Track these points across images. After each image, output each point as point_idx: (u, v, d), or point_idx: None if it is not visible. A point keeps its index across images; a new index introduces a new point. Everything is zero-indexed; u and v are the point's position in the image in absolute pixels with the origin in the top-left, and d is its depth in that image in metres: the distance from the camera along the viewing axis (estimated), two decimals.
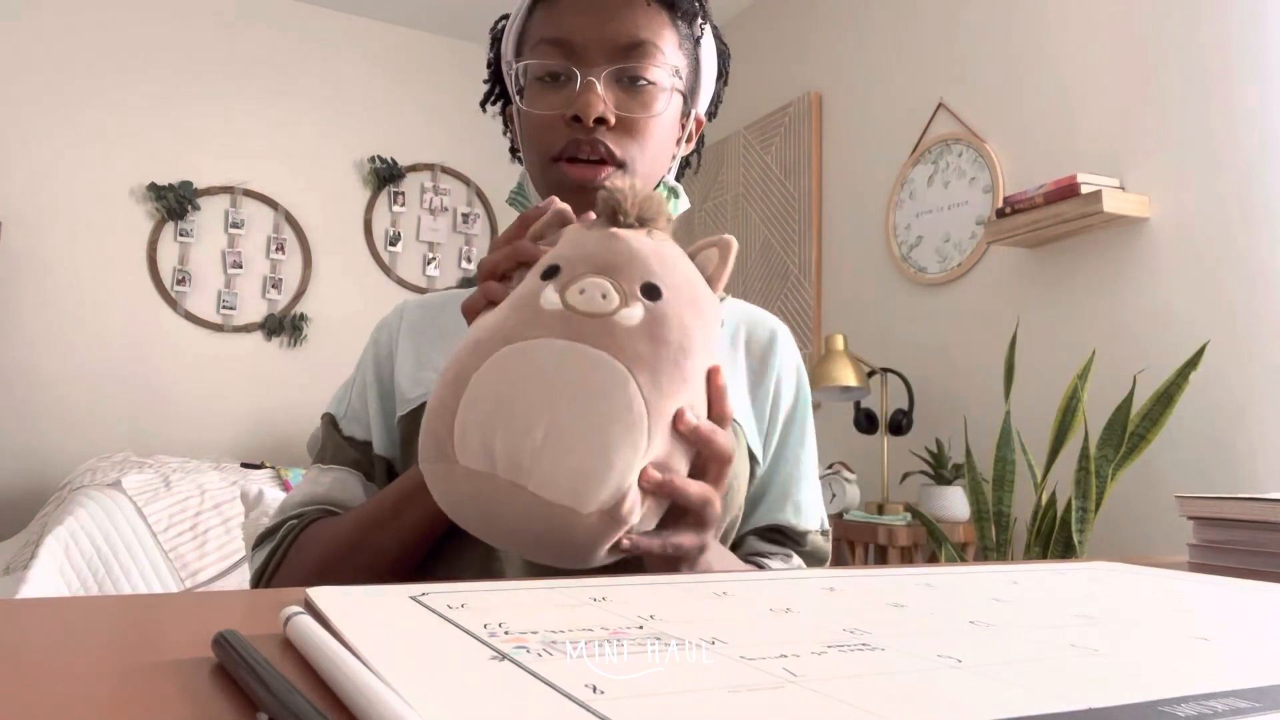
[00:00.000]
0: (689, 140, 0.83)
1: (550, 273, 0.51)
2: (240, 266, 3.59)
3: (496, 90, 0.87)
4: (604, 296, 0.49)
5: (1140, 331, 2.10)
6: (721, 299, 0.87)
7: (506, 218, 4.07)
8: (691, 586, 0.43)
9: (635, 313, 0.49)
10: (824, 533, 0.82)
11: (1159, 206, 2.09)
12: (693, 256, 0.56)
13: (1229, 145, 1.95)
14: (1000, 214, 2.28)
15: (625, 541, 0.48)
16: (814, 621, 0.34)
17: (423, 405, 0.75)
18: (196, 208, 3.53)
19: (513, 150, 0.86)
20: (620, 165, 0.74)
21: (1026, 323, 2.36)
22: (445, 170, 3.98)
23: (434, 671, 0.25)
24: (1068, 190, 2.10)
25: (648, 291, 0.50)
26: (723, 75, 0.86)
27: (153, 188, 3.44)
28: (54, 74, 3.35)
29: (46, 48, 3.34)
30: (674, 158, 0.81)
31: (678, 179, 0.86)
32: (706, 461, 0.52)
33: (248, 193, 3.62)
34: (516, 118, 0.80)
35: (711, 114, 0.88)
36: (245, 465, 3.02)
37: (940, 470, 2.36)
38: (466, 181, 4.01)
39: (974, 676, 0.26)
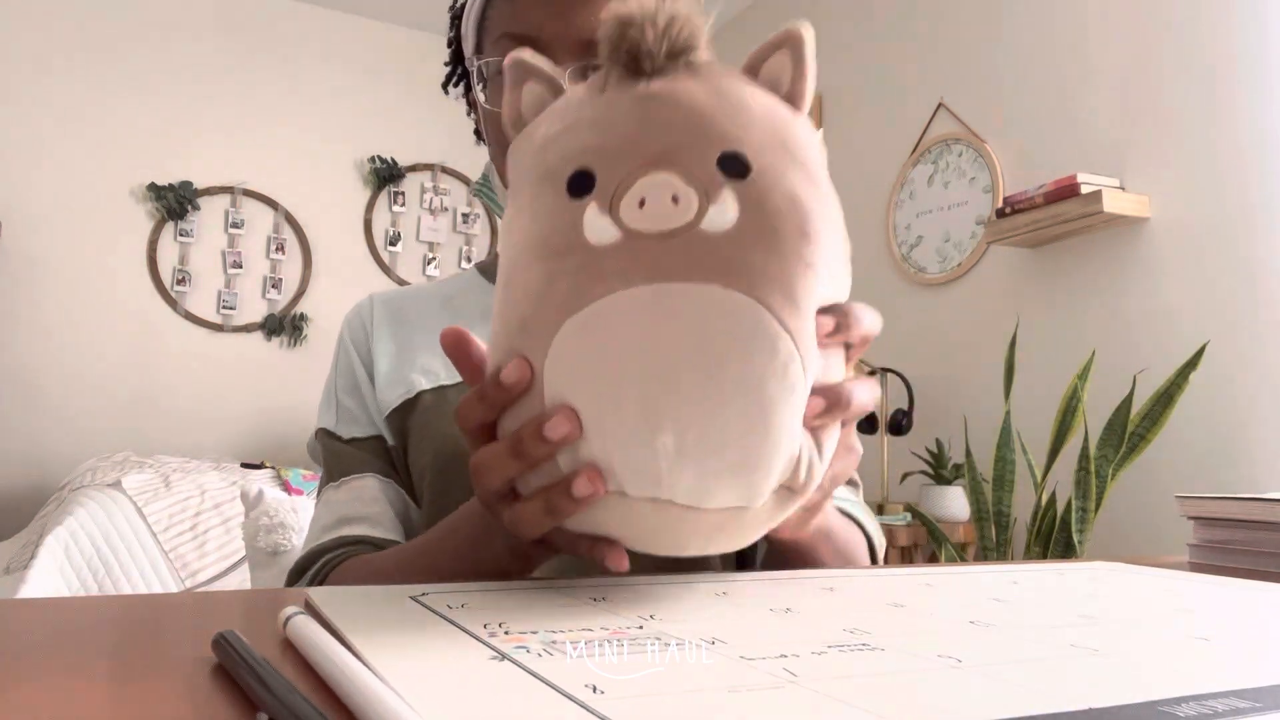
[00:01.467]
0: None
1: (580, 184, 0.36)
2: (240, 266, 3.59)
3: (459, 72, 0.83)
4: (675, 200, 0.34)
5: (1140, 331, 2.10)
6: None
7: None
8: (691, 586, 0.43)
9: (726, 208, 0.35)
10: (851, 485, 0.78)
11: (1159, 206, 2.09)
12: (755, 75, 0.40)
13: (1229, 145, 1.95)
14: (1000, 214, 2.28)
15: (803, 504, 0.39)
16: (814, 621, 0.34)
17: (403, 405, 0.73)
18: (196, 208, 3.53)
19: (477, 133, 0.83)
20: None
21: (1026, 323, 2.36)
22: (445, 170, 3.98)
23: (434, 671, 0.25)
24: (1068, 190, 2.10)
25: (729, 166, 0.35)
26: None
27: (153, 188, 3.44)
28: (54, 74, 3.35)
29: (47, 48, 3.34)
30: None
31: None
32: (854, 350, 0.41)
33: (248, 193, 3.62)
34: (480, 109, 0.76)
35: None
36: (245, 465, 3.02)
37: (940, 470, 2.36)
38: (466, 181, 4.01)
39: (974, 676, 0.26)
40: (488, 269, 0.83)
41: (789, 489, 0.36)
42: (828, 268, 0.36)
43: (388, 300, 0.81)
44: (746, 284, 0.34)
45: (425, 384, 0.73)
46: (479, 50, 0.75)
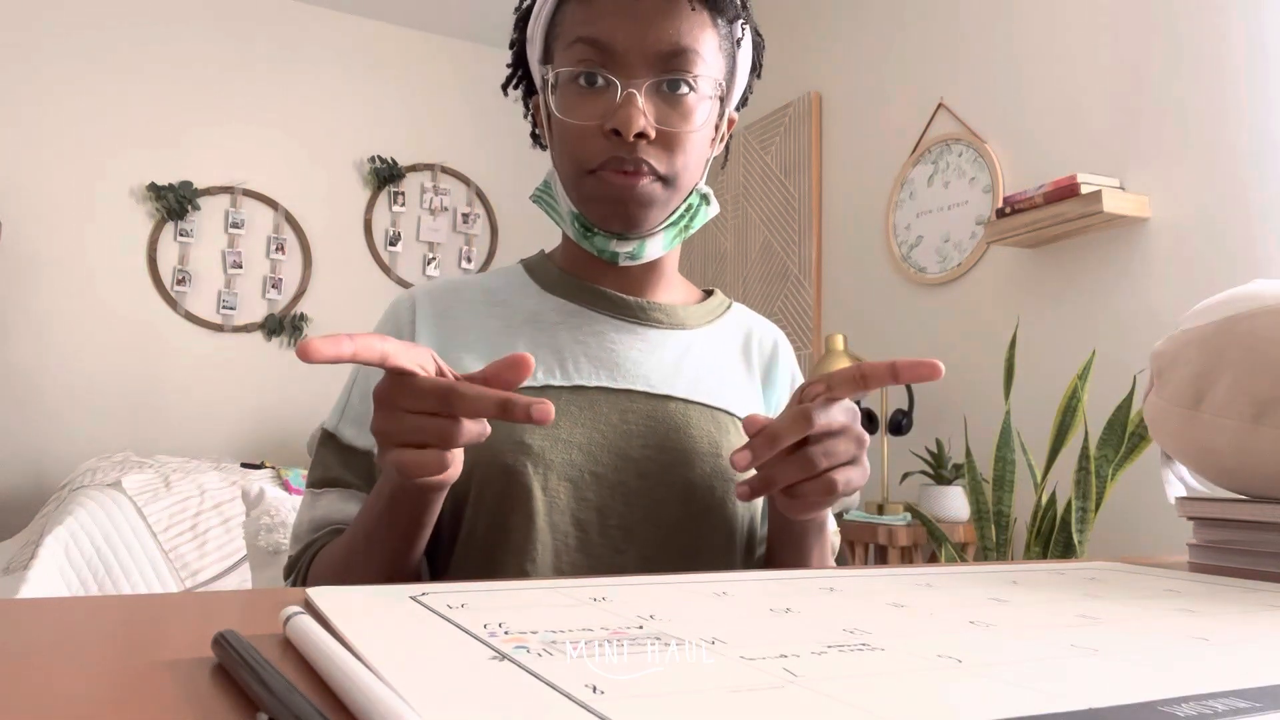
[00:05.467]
0: (721, 140, 0.81)
1: None
2: (240, 266, 3.59)
3: (519, 74, 0.83)
4: None
5: (1140, 331, 2.10)
6: (727, 306, 0.86)
7: (506, 217, 4.07)
8: (691, 586, 0.43)
9: None
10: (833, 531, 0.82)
11: (1159, 206, 2.09)
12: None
13: (1229, 145, 1.95)
14: (1000, 214, 2.28)
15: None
16: (814, 621, 0.34)
17: None
18: (196, 208, 3.53)
19: (534, 136, 0.83)
20: (659, 178, 0.72)
21: (1026, 323, 2.36)
22: (445, 170, 3.98)
23: (434, 671, 0.25)
24: (1068, 190, 2.10)
25: None
26: (756, 67, 0.83)
27: (153, 188, 3.44)
28: (54, 74, 3.35)
29: (47, 48, 3.34)
30: (707, 161, 0.79)
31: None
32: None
33: (248, 193, 3.63)
34: (549, 120, 0.76)
35: (741, 104, 0.85)
36: (245, 465, 3.02)
37: (940, 470, 2.36)
38: (466, 181, 4.01)
39: (974, 676, 0.26)
40: (534, 267, 0.84)
41: None
42: None
43: (433, 295, 0.80)
44: None
45: None
46: (548, 53, 0.75)
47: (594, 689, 0.24)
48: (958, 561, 2.04)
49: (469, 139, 4.01)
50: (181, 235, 3.49)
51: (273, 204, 3.67)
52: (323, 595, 0.36)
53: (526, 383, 0.72)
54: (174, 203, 3.45)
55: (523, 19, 0.79)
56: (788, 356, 0.87)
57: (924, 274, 2.71)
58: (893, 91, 2.89)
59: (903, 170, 2.81)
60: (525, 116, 0.84)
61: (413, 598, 0.37)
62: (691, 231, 0.79)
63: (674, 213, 0.76)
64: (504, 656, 0.27)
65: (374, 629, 0.30)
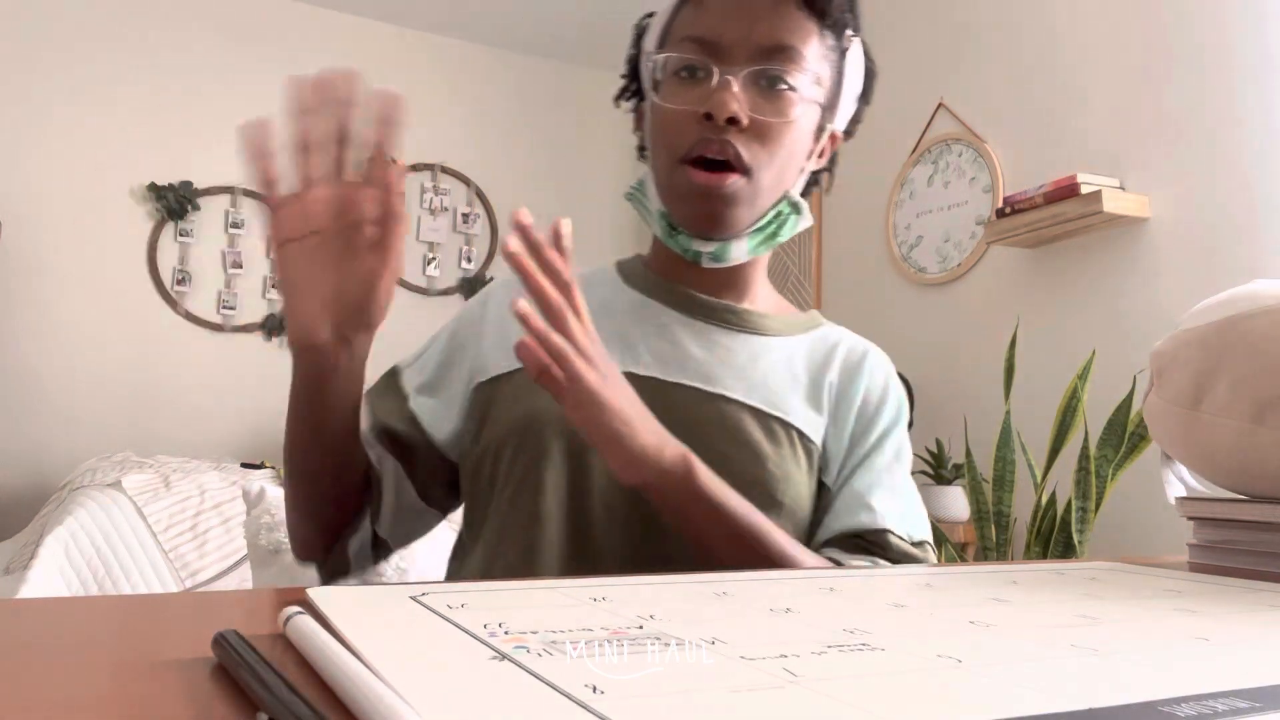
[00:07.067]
0: (821, 155, 0.81)
1: None
2: (240, 266, 3.59)
3: (632, 87, 0.85)
4: None
5: (1140, 331, 2.10)
6: (816, 324, 0.85)
7: (506, 217, 4.07)
8: (691, 586, 0.43)
9: None
10: (918, 543, 0.78)
11: (1159, 206, 2.09)
12: None
13: (1229, 145, 1.95)
14: (1000, 214, 2.28)
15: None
16: (814, 621, 0.34)
17: (497, 377, 0.76)
18: (196, 208, 3.53)
19: (640, 149, 0.85)
20: (745, 172, 0.72)
21: (1026, 323, 2.36)
22: (445, 170, 3.98)
23: (434, 671, 0.25)
24: (1068, 190, 2.10)
25: None
26: (866, 96, 0.84)
27: (153, 188, 3.44)
28: (54, 74, 3.35)
29: (47, 47, 3.34)
30: (802, 171, 0.79)
31: (804, 194, 0.84)
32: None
33: (247, 193, 3.62)
34: (648, 114, 0.78)
35: (849, 133, 0.85)
36: (245, 465, 3.02)
37: (940, 470, 2.36)
38: (467, 181, 4.01)
39: (974, 676, 0.26)
40: (623, 264, 0.86)
41: None
42: None
43: (512, 285, 0.82)
44: None
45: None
46: (660, 51, 0.77)
47: (594, 689, 0.24)
48: (958, 561, 2.04)
49: (469, 139, 4.01)
50: (181, 235, 3.49)
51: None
52: (323, 595, 0.36)
53: None
54: (174, 203, 3.45)
55: (640, 33, 0.82)
56: (876, 368, 0.83)
57: (924, 274, 2.71)
58: (893, 91, 2.89)
59: (903, 170, 2.81)
60: (634, 130, 0.85)
61: (413, 598, 0.37)
62: (780, 240, 0.78)
63: (761, 218, 0.76)
64: (504, 656, 0.27)
65: (374, 629, 0.30)
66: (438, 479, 0.79)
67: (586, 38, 3.91)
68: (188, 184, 3.49)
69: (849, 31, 0.77)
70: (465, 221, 3.99)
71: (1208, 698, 0.25)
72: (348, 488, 0.74)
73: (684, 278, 0.80)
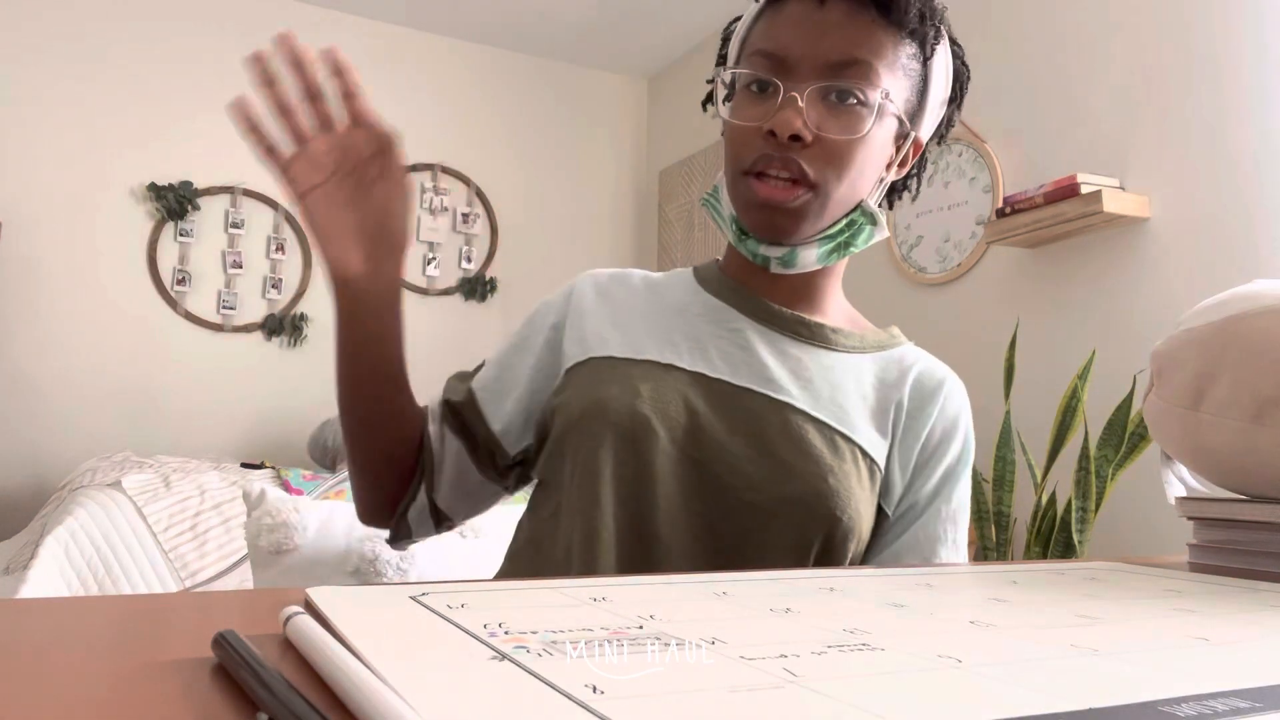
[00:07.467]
0: (903, 164, 0.80)
1: None
2: (240, 266, 3.59)
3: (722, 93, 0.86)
4: None
5: (1140, 331, 2.10)
6: (893, 343, 0.83)
7: (506, 217, 4.07)
8: (691, 586, 0.43)
9: None
10: None
11: (1159, 206, 2.09)
12: None
13: (1229, 145, 1.95)
14: (1000, 214, 2.28)
15: None
16: (814, 621, 0.34)
17: (577, 365, 0.78)
18: (196, 208, 3.53)
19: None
20: (812, 187, 0.72)
21: (1026, 323, 2.36)
22: (445, 170, 3.98)
23: (434, 671, 0.25)
24: (1068, 190, 2.10)
25: None
26: (956, 98, 0.83)
27: (153, 188, 3.44)
28: (54, 74, 3.35)
29: (47, 48, 3.34)
30: (881, 181, 0.78)
31: (888, 203, 0.83)
32: None
33: (247, 193, 3.62)
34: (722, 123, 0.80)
35: (941, 136, 0.84)
36: (245, 465, 3.02)
37: None
38: (467, 181, 4.01)
39: (974, 676, 0.26)
40: (700, 268, 0.87)
41: None
42: None
43: (598, 278, 0.86)
44: None
45: (597, 351, 0.79)
46: (735, 64, 0.78)
47: (594, 689, 0.24)
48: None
49: (469, 139, 4.01)
50: (181, 235, 3.49)
51: (272, 204, 3.67)
52: (323, 595, 0.36)
53: (656, 358, 0.76)
54: (174, 203, 3.45)
55: (726, 38, 0.82)
56: (953, 398, 0.81)
57: (924, 274, 2.71)
58: None
59: None
60: (722, 133, 0.85)
61: (413, 598, 0.37)
62: (853, 251, 0.78)
63: (832, 226, 0.76)
64: (504, 656, 0.27)
65: (374, 629, 0.30)
66: (494, 463, 0.82)
67: (586, 38, 3.90)
68: (188, 184, 3.49)
69: (931, 39, 0.75)
70: (465, 221, 3.99)
71: (1207, 698, 0.25)
72: (398, 441, 0.79)
73: (756, 284, 0.81)
